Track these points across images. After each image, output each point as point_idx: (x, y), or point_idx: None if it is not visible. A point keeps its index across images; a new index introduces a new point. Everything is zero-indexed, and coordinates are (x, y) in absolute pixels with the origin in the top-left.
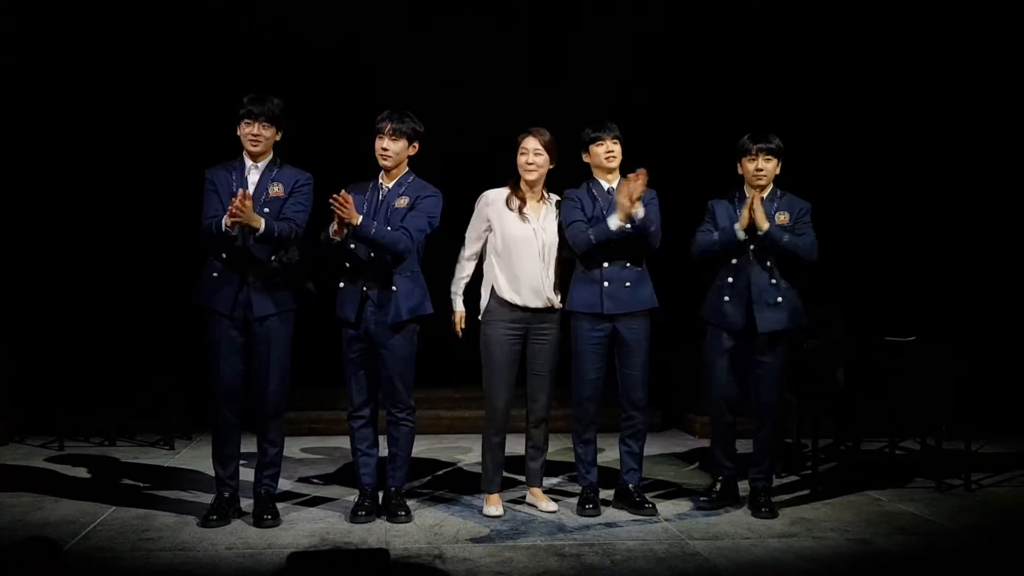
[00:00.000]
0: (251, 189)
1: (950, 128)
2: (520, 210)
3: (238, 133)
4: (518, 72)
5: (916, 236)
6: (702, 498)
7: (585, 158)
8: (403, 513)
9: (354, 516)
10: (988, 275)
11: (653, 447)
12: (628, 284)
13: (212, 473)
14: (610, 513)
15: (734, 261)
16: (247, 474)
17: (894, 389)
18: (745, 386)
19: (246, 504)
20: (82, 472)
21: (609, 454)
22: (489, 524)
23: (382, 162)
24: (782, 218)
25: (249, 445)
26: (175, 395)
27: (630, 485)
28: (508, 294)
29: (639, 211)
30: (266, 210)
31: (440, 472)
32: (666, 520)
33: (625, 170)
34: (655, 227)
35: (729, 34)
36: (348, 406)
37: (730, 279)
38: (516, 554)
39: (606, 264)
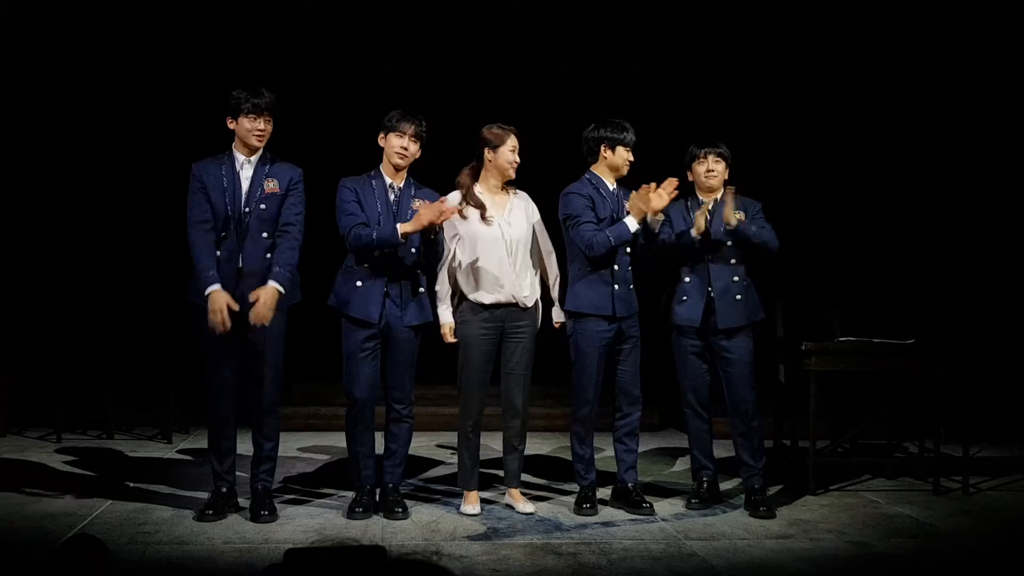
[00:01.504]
0: (245, 184)
1: (952, 130)
2: (481, 208)
3: (233, 127)
4: (517, 71)
5: (916, 239)
6: (693, 500)
7: (605, 153)
8: (400, 510)
9: (351, 512)
10: (988, 278)
11: (650, 446)
12: (631, 286)
13: (209, 467)
14: (607, 512)
15: (691, 261)
16: (243, 468)
17: (892, 392)
18: (717, 386)
19: (243, 499)
20: (80, 465)
21: (603, 453)
22: (486, 522)
23: (398, 160)
24: (739, 217)
25: (245, 440)
26: (173, 389)
27: (629, 484)
28: (477, 295)
29: (660, 219)
30: (262, 206)
31: (437, 469)
32: (663, 520)
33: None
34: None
35: (725, 36)
36: (350, 405)
37: (687, 279)
38: (513, 552)
39: (616, 267)
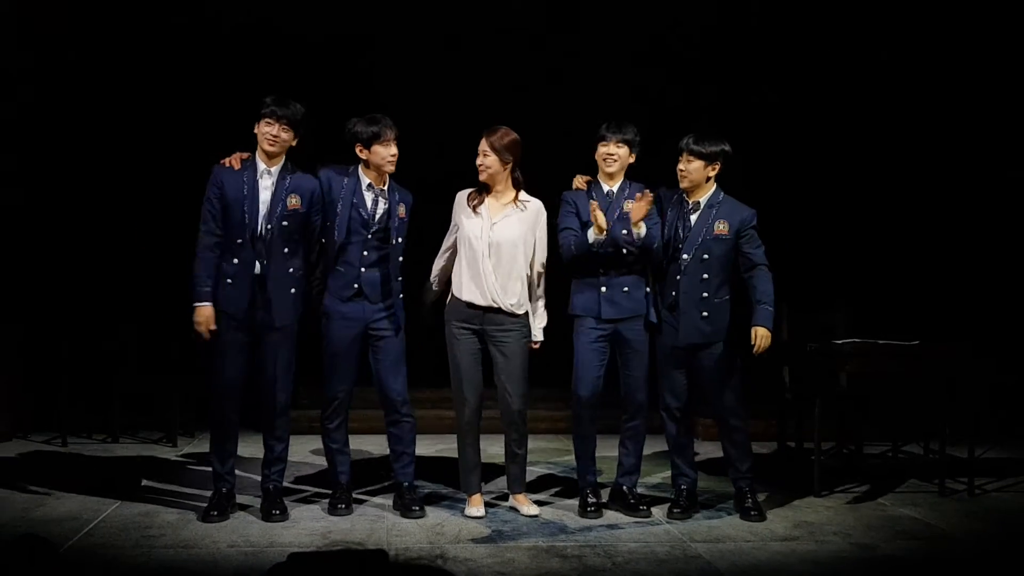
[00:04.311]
0: (264, 195)
1: (956, 131)
2: (475, 208)
3: (255, 131)
4: (518, 69)
5: (921, 240)
6: (675, 509)
7: (596, 155)
8: (417, 508)
9: (334, 509)
10: (992, 279)
11: (657, 449)
12: (626, 289)
13: (211, 469)
14: (612, 515)
15: (663, 267)
16: (242, 469)
17: (897, 393)
18: (699, 390)
19: (243, 497)
20: (85, 469)
21: (609, 455)
22: (490, 524)
23: (390, 168)
24: (721, 227)
25: (247, 443)
26: (178, 392)
27: (624, 487)
28: (457, 290)
29: (642, 230)
30: (284, 223)
31: (442, 472)
32: (668, 522)
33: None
34: (657, 244)
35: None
36: (329, 402)
37: (658, 286)
38: (518, 555)
39: (602, 270)
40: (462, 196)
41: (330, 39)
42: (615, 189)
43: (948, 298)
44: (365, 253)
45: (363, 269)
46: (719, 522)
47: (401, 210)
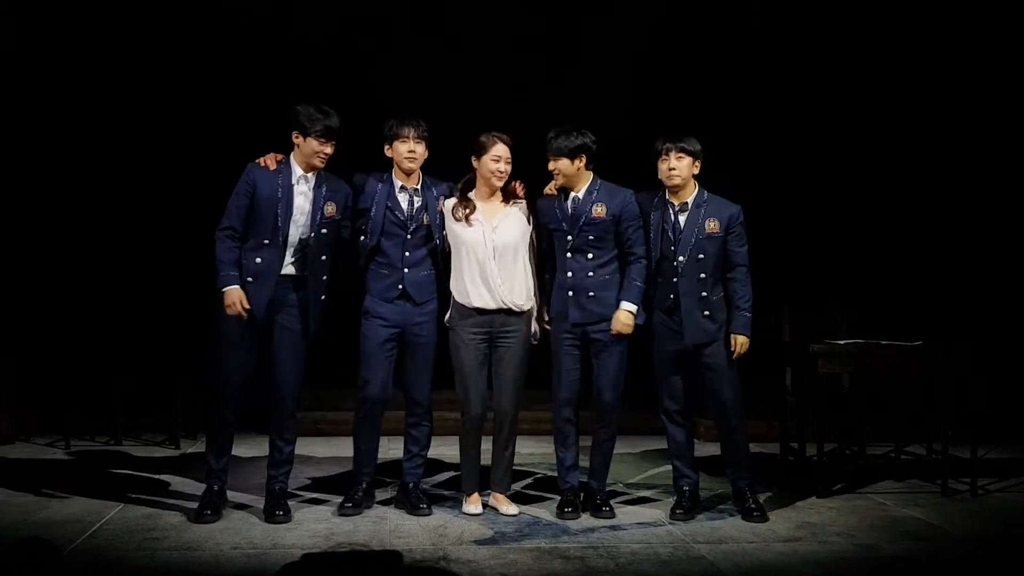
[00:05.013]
0: (299, 200)
1: (960, 131)
2: (469, 216)
3: (297, 143)
4: (518, 69)
5: (923, 240)
6: (676, 510)
7: None
8: (425, 505)
9: (342, 509)
10: (995, 280)
11: (657, 448)
12: (592, 294)
13: (205, 465)
14: (615, 517)
15: (661, 269)
16: (238, 469)
17: (899, 394)
18: (696, 391)
19: (244, 500)
20: (88, 472)
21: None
22: (493, 526)
23: (409, 164)
24: (712, 226)
25: (249, 444)
26: (181, 395)
27: (595, 491)
28: (462, 297)
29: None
30: (324, 231)
31: (444, 474)
32: (670, 523)
33: (620, 163)
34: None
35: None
36: (363, 403)
37: (660, 279)
38: (520, 556)
39: (570, 273)
40: (449, 206)
41: (329, 39)
42: (580, 195)
43: (949, 298)
44: (407, 253)
45: (406, 270)
46: (722, 523)
47: (440, 204)
